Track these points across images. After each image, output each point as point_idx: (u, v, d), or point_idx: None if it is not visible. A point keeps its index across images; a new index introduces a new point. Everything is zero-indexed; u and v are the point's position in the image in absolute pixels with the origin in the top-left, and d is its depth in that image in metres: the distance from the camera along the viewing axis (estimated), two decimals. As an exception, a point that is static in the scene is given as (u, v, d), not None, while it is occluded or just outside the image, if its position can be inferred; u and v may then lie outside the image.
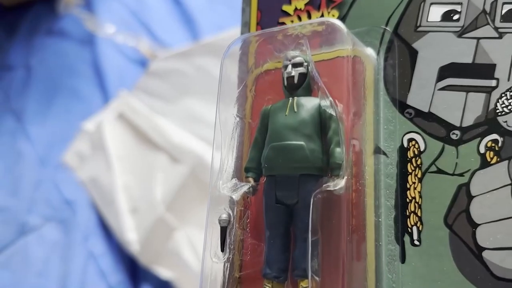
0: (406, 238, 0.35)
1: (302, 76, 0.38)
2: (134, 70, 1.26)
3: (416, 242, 0.34)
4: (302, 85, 0.38)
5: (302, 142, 0.35)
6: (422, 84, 0.38)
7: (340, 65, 0.37)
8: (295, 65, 0.38)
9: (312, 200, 0.34)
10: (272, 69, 0.41)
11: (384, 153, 0.37)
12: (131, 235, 0.98)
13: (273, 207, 0.36)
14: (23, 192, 1.10)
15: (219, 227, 0.36)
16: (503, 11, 0.37)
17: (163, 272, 0.96)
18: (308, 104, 0.37)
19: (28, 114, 1.21)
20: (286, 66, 0.38)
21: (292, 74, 0.37)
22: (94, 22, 1.33)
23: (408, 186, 0.36)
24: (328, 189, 0.34)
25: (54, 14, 1.37)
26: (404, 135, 0.37)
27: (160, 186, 1.02)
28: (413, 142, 0.37)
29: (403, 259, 0.34)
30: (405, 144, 0.37)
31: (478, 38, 0.37)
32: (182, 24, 1.30)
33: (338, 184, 0.34)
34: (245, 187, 0.37)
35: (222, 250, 0.36)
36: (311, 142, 0.35)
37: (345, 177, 0.34)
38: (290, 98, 0.37)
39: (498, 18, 0.37)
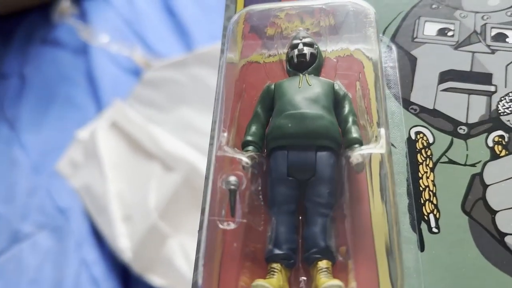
0: (423, 226, 0.34)
1: (312, 56, 0.36)
2: (128, 80, 1.27)
3: (435, 230, 0.34)
4: (313, 65, 0.36)
5: (322, 112, 0.33)
6: (424, 85, 0.39)
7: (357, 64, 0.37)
8: (305, 44, 0.37)
9: (344, 164, 0.32)
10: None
11: (392, 144, 0.37)
12: (124, 243, 0.99)
13: (284, 180, 0.32)
14: (17, 200, 1.10)
15: (228, 190, 0.32)
16: (492, 33, 0.41)
17: (156, 280, 0.97)
18: (322, 81, 0.35)
19: (22, 122, 1.22)
20: (296, 45, 0.37)
21: (304, 51, 0.36)
22: (89, 32, 1.34)
23: (420, 175, 0.35)
24: (368, 151, 0.32)
25: (49, 23, 1.38)
26: (411, 128, 0.38)
27: (153, 194, 1.03)
28: (421, 135, 0.37)
29: (422, 247, 0.33)
30: (413, 137, 0.37)
31: (473, 52, 0.40)
32: (177, 34, 1.31)
33: (378, 146, 0.32)
34: (248, 157, 0.33)
35: (233, 214, 0.32)
36: (330, 115, 0.33)
37: (385, 142, 0.32)
38: (301, 74, 0.36)
39: (488, 38, 0.41)
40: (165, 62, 1.25)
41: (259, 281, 0.29)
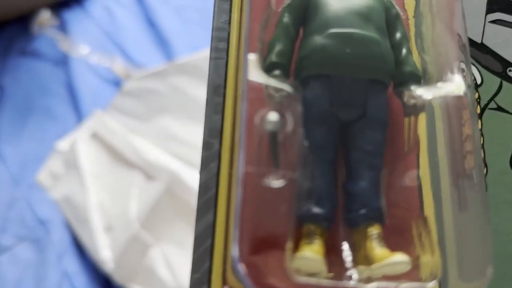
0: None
1: None
2: (108, 90, 1.27)
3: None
4: None
5: (376, 35, 0.25)
6: (471, 12, 0.33)
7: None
8: None
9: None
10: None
11: None
12: (106, 253, 0.98)
13: (324, 119, 0.24)
14: (-4, 212, 1.09)
15: (267, 133, 0.23)
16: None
17: (138, 290, 0.97)
18: None
19: (1, 134, 1.21)
20: None
21: None
22: (68, 43, 1.34)
23: (462, 122, 0.27)
24: (453, 95, 0.25)
25: (28, 34, 1.37)
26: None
27: (134, 204, 1.03)
28: (466, 73, 0.32)
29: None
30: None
31: None
32: (157, 45, 1.32)
33: (455, 84, 0.25)
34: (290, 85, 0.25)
35: (276, 165, 0.23)
36: (385, 39, 0.26)
37: (462, 79, 0.25)
38: None
39: None
40: (145, 73, 1.25)
41: (306, 253, 0.22)
